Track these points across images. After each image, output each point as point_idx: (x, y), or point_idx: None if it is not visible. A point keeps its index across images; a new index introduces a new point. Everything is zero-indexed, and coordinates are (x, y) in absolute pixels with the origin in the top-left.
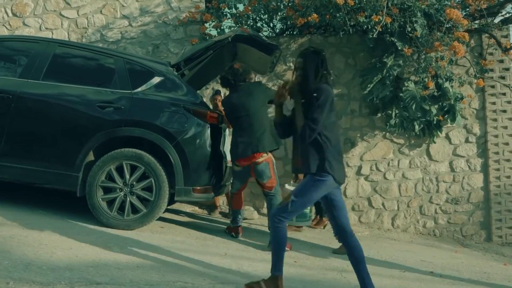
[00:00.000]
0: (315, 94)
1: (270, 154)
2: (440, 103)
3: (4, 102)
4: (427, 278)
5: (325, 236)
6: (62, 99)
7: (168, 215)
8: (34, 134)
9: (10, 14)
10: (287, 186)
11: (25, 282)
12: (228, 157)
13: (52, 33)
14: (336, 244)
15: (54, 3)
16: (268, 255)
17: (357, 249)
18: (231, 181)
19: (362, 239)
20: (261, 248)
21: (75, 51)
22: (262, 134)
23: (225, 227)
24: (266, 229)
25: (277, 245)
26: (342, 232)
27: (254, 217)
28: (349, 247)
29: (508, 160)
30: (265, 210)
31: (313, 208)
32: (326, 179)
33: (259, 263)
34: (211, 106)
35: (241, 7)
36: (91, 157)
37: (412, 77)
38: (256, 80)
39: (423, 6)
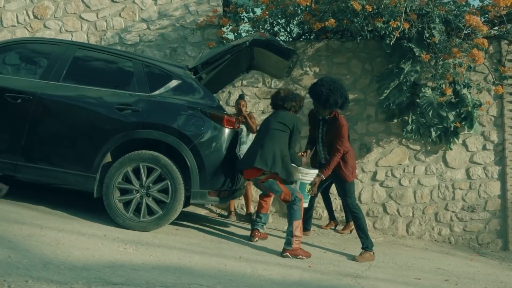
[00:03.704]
0: None
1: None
2: (457, 110)
3: (25, 103)
4: (443, 286)
5: (339, 241)
6: (81, 101)
7: (183, 218)
8: (53, 135)
9: (31, 17)
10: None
11: (43, 281)
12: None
13: (72, 36)
14: (350, 250)
15: (74, 6)
16: (282, 259)
17: None
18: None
19: (377, 245)
20: (276, 252)
21: (95, 53)
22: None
23: (240, 230)
24: (280, 233)
25: None
26: None
27: (269, 221)
28: None
29: None
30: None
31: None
32: None
33: (274, 267)
34: (234, 110)
35: (258, 11)
36: (108, 158)
37: (429, 83)
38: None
39: (441, 12)
